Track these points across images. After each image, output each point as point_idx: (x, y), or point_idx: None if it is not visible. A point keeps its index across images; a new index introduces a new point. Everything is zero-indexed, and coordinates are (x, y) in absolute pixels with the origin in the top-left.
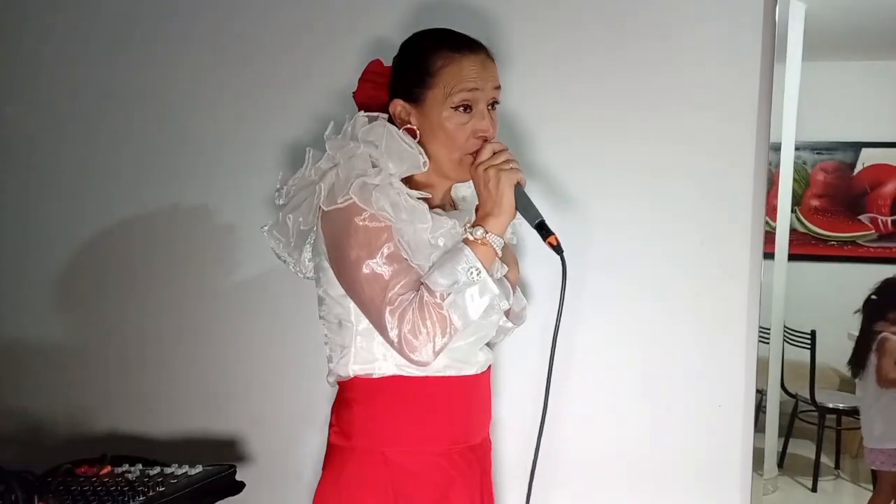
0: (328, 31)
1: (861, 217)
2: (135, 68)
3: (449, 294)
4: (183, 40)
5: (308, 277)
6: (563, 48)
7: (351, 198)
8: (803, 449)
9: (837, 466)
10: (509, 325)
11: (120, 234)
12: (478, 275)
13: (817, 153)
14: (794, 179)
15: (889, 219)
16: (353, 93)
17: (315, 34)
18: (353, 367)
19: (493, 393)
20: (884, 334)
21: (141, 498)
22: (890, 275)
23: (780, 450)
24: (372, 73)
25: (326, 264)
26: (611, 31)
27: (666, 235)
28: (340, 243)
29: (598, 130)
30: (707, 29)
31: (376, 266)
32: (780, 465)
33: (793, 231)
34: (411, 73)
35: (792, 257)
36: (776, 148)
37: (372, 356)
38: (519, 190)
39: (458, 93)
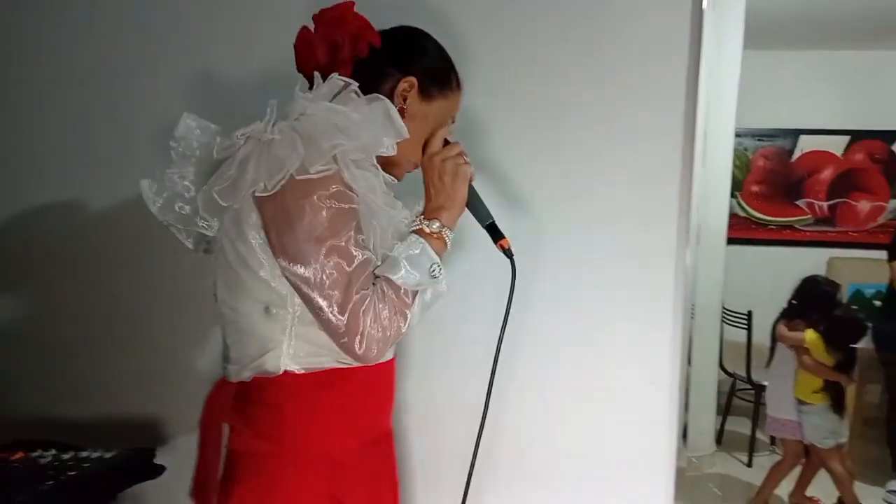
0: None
1: (798, 202)
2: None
3: (414, 292)
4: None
5: (205, 251)
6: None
7: (327, 169)
8: (741, 426)
9: (773, 443)
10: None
11: (46, 216)
12: (439, 272)
13: (758, 140)
14: (736, 165)
15: (825, 204)
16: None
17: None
18: (286, 362)
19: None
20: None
21: (50, 482)
22: (823, 258)
23: (719, 427)
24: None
25: (254, 241)
26: (542, 25)
27: (598, 219)
28: (295, 217)
29: (528, 118)
30: (638, 16)
31: (340, 253)
32: (719, 441)
33: (734, 215)
34: (440, 72)
35: (732, 241)
36: (738, 135)
37: (315, 348)
38: (471, 187)
39: (450, 115)
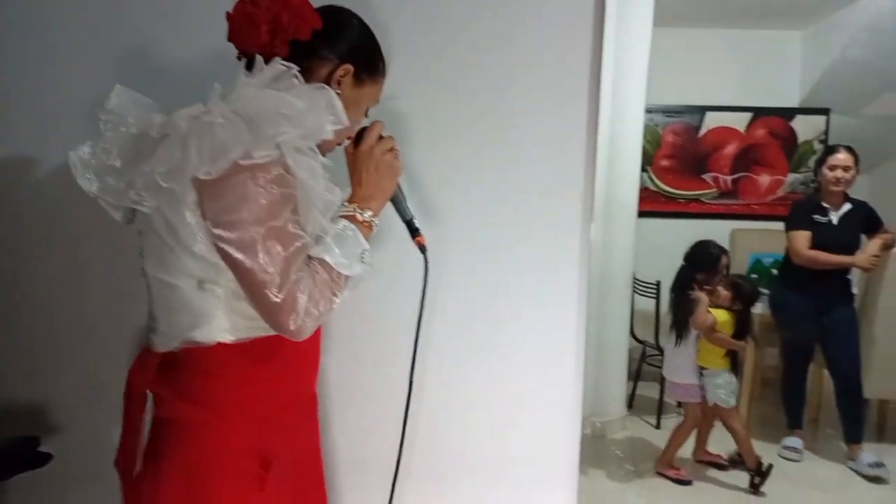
0: None
1: (705, 176)
2: None
3: (348, 276)
4: None
5: (128, 221)
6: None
7: (270, 155)
8: (650, 390)
9: (679, 405)
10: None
11: None
12: (368, 258)
13: (668, 116)
14: (647, 140)
15: (729, 178)
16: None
17: None
18: (222, 334)
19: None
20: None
21: None
22: (727, 230)
23: (630, 392)
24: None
25: (191, 219)
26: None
27: (504, 197)
28: (235, 199)
29: (434, 95)
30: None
31: (279, 235)
32: (630, 405)
33: (645, 189)
34: (372, 59)
35: (643, 213)
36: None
37: (249, 322)
38: (397, 183)
39: (374, 99)
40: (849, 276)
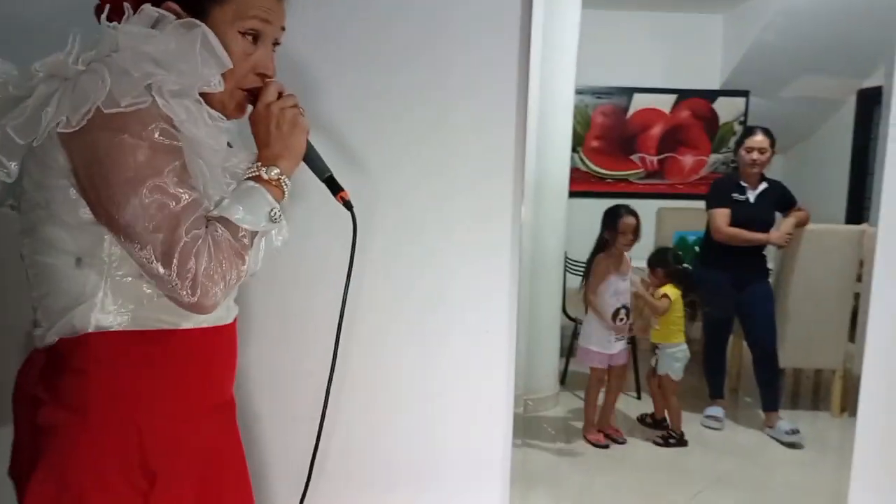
0: None
1: (633, 157)
2: None
3: (253, 233)
4: None
5: (11, 207)
6: None
7: (141, 102)
8: (583, 366)
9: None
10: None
11: None
12: (279, 216)
13: (597, 97)
14: (577, 121)
15: (655, 158)
16: None
17: None
18: (98, 317)
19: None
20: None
21: None
22: (653, 209)
23: (563, 368)
24: None
25: (61, 185)
26: None
27: (439, 177)
28: (109, 156)
29: (366, 87)
30: None
31: (163, 192)
32: (563, 381)
33: (576, 170)
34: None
35: (574, 194)
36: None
37: (131, 303)
38: (307, 141)
39: (250, 18)
40: (765, 253)
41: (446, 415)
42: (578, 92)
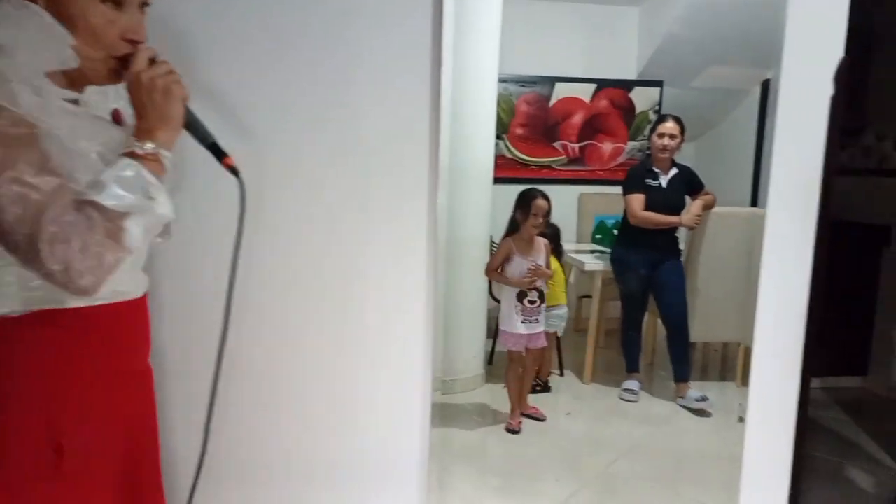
0: None
1: (555, 144)
2: None
3: (126, 214)
4: None
5: None
6: None
7: None
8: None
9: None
10: (158, 240)
11: None
12: (158, 193)
13: (521, 86)
14: (503, 109)
15: (576, 145)
16: None
17: None
18: (8, 303)
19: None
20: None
21: None
22: (575, 194)
23: (489, 349)
24: None
25: None
26: None
27: (352, 162)
28: None
29: (283, 86)
30: None
31: (21, 183)
32: (490, 362)
33: (501, 156)
34: None
35: (500, 180)
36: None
37: (21, 290)
38: (187, 108)
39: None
40: (676, 234)
41: (361, 401)
42: (503, 80)
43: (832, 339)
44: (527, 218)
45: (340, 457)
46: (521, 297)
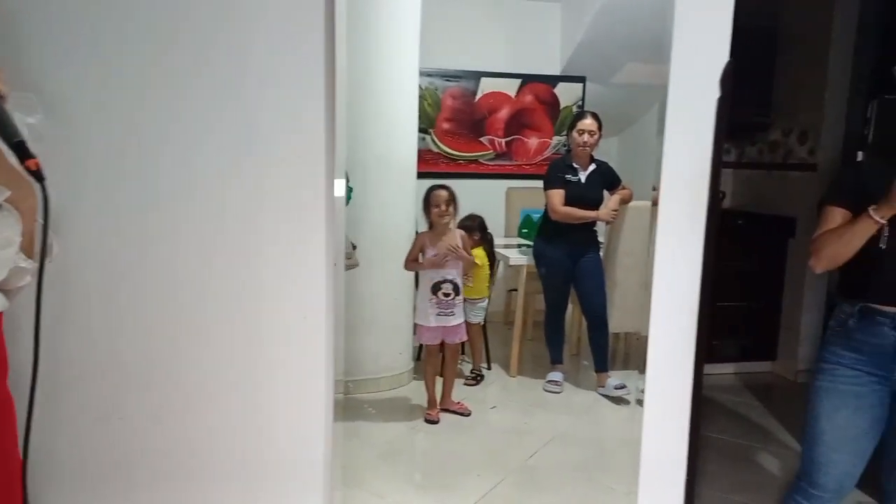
0: None
1: (482, 139)
2: None
3: None
4: None
5: None
6: None
7: None
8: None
9: (462, 351)
10: (26, 263)
11: None
12: None
13: (447, 80)
14: (429, 104)
15: (503, 140)
16: None
17: None
18: None
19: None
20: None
21: None
22: (503, 189)
23: (417, 344)
24: None
25: None
26: None
27: (244, 159)
28: None
29: (151, 59)
30: None
31: None
32: (418, 358)
33: (428, 151)
34: None
35: (427, 174)
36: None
37: None
38: None
39: None
40: (595, 228)
41: (260, 401)
42: (428, 74)
43: (744, 326)
44: (430, 210)
45: (241, 459)
46: (435, 289)
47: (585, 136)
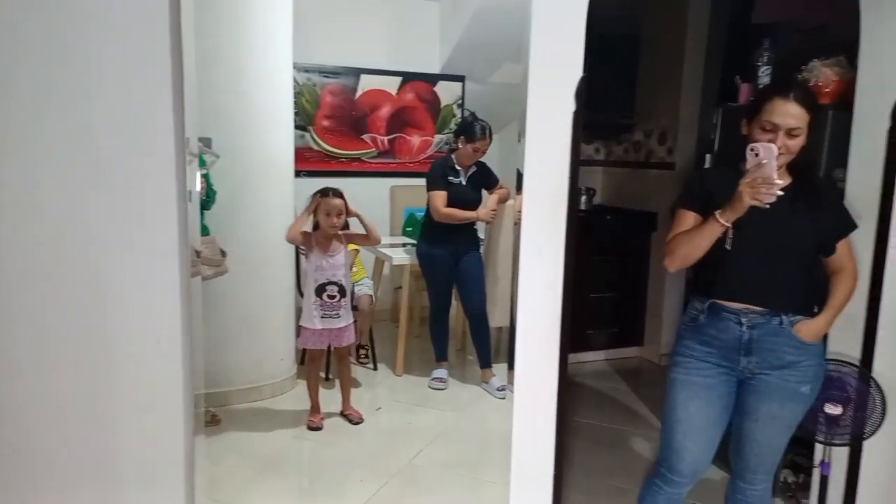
0: None
1: (364, 136)
2: None
3: None
4: None
5: None
6: None
7: None
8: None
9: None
10: None
11: None
12: None
13: (325, 76)
14: (307, 100)
15: (385, 138)
16: None
17: None
18: None
19: None
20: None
21: None
22: (386, 187)
23: (302, 350)
24: None
25: None
26: None
27: (87, 155)
28: None
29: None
30: None
31: None
32: (302, 362)
33: (308, 149)
34: None
35: (308, 173)
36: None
37: None
38: None
39: None
40: (475, 227)
41: (122, 426)
42: (306, 70)
43: (613, 315)
44: (318, 213)
45: (93, 470)
46: (319, 291)
47: (480, 153)
